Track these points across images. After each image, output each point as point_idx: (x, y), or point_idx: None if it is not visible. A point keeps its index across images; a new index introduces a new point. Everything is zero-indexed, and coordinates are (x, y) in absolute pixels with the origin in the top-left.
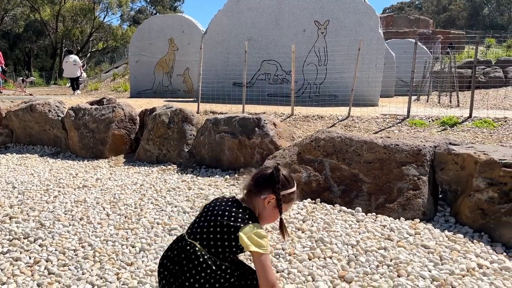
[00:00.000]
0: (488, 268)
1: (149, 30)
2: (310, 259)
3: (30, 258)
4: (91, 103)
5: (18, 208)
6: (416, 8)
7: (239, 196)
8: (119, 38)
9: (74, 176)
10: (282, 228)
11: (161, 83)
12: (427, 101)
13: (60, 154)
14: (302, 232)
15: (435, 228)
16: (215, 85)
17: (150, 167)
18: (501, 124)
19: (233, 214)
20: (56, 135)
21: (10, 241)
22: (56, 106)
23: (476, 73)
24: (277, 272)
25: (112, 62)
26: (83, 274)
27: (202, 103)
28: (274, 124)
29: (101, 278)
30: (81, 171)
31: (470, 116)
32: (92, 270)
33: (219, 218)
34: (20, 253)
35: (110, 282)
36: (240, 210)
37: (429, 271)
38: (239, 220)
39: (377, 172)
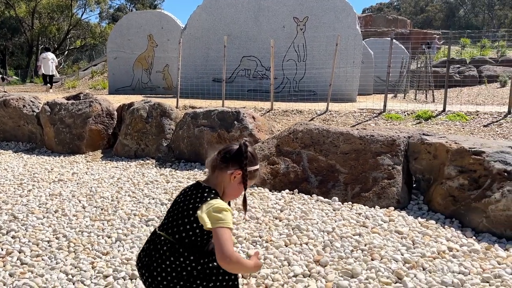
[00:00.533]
0: (457, 250)
1: (127, 26)
2: (286, 246)
3: (2, 250)
4: (68, 98)
5: None
6: (395, 9)
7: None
8: (97, 35)
9: (49, 171)
10: (245, 203)
11: (140, 80)
12: (404, 98)
13: (35, 150)
14: (280, 221)
15: (408, 215)
16: (195, 80)
17: (128, 162)
18: (473, 118)
19: (192, 197)
20: (31, 130)
21: None
22: (31, 101)
23: (451, 72)
24: None
25: (90, 60)
26: (57, 264)
27: (182, 98)
28: (253, 118)
29: (75, 268)
30: (56, 166)
31: (444, 110)
32: (66, 260)
33: (181, 205)
34: None
35: (85, 271)
36: (200, 191)
37: (401, 255)
38: (198, 200)
39: (353, 163)
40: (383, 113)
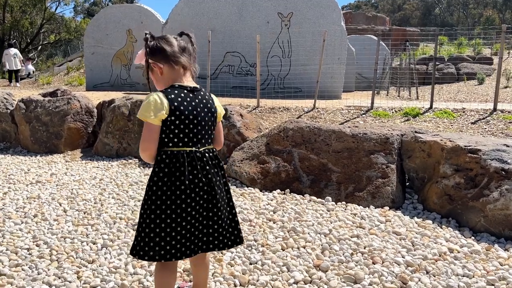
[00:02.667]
0: (458, 252)
1: (105, 20)
2: (283, 249)
3: None
4: (44, 95)
5: None
6: (372, 7)
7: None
8: (72, 30)
9: (26, 172)
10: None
11: (119, 76)
12: (387, 95)
13: (9, 150)
14: (274, 223)
15: (404, 215)
16: None
17: (110, 162)
18: (460, 115)
19: (210, 101)
20: (5, 129)
21: None
22: (5, 98)
23: (431, 69)
24: (251, 263)
25: (65, 56)
26: (38, 274)
27: None
28: (241, 115)
29: (59, 278)
30: (33, 167)
31: (431, 107)
32: (49, 270)
33: (203, 115)
34: None
35: (70, 282)
36: (206, 93)
37: (402, 257)
38: (211, 101)
39: (346, 161)
40: (370, 110)
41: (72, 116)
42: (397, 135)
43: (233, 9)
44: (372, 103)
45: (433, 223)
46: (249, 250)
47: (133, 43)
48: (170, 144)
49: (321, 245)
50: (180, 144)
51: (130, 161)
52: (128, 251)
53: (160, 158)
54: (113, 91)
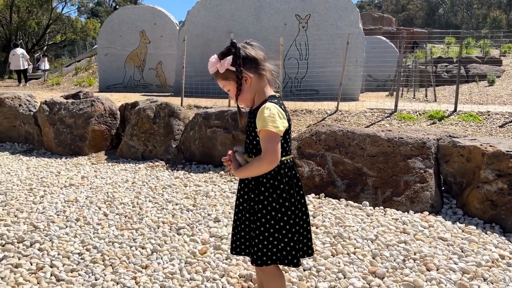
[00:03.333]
0: (510, 258)
1: (119, 22)
2: (333, 256)
3: (31, 264)
4: (66, 97)
5: (3, 210)
6: (376, 7)
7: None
8: (78, 30)
9: (57, 175)
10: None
11: (132, 77)
12: (401, 96)
13: (33, 151)
14: (317, 228)
15: (445, 220)
16: (193, 79)
17: (136, 164)
18: (486, 118)
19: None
20: (28, 131)
21: (3, 246)
22: (27, 100)
23: (440, 70)
24: (304, 270)
25: (71, 56)
26: (96, 280)
27: (179, 97)
28: None
29: (117, 283)
30: (62, 169)
31: (455, 110)
32: (105, 275)
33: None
34: (19, 259)
35: (130, 287)
36: None
37: (455, 264)
38: None
39: (381, 166)
40: (394, 113)
41: (96, 119)
42: (434, 139)
43: (250, 11)
44: (396, 105)
45: (477, 228)
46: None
47: (146, 45)
48: (284, 154)
49: (371, 251)
50: (289, 153)
51: (156, 163)
52: (180, 256)
53: (279, 168)
54: (127, 93)
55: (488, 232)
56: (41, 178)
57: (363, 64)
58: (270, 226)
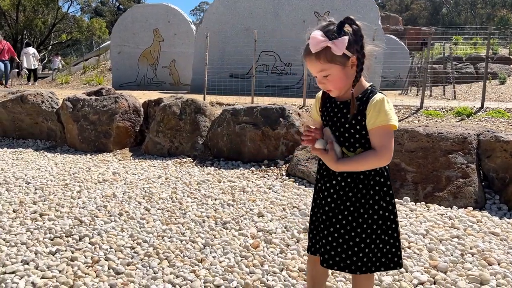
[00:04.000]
0: None
1: (132, 19)
2: None
3: (86, 257)
4: (88, 94)
5: (43, 204)
6: (380, 6)
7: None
8: (84, 30)
9: (87, 170)
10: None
11: (146, 75)
12: (417, 95)
13: (57, 148)
14: None
15: (492, 215)
16: (211, 77)
17: (163, 160)
18: None
19: None
20: (51, 128)
21: (52, 240)
22: (49, 97)
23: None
24: None
25: (78, 55)
26: (155, 273)
27: (198, 94)
28: (299, 114)
29: (177, 277)
30: (91, 165)
31: (482, 106)
32: (163, 269)
33: None
34: (72, 252)
35: (191, 281)
36: None
37: None
38: None
39: (421, 161)
40: (420, 109)
41: (121, 115)
42: (474, 134)
43: (268, 7)
44: (422, 102)
45: None
46: None
47: (160, 43)
48: None
49: (425, 246)
50: None
51: (184, 160)
52: (233, 250)
53: (387, 173)
54: (142, 90)
55: None
56: (73, 173)
57: (382, 61)
58: (373, 232)
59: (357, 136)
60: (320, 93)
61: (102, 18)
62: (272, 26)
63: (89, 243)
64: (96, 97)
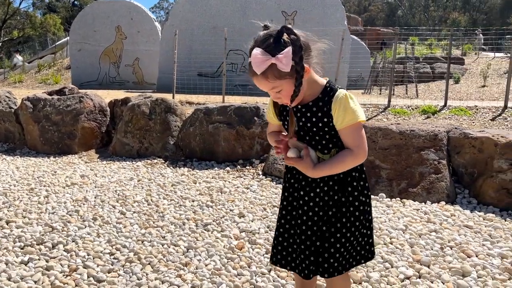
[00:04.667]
0: None
1: (92, 16)
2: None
3: (62, 266)
4: (50, 93)
5: (9, 211)
6: None
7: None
8: (38, 26)
9: (53, 174)
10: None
11: (108, 74)
12: (380, 93)
13: (16, 151)
14: None
15: (463, 209)
16: (179, 75)
17: (133, 162)
18: (475, 112)
19: None
20: (8, 129)
21: (22, 248)
22: (6, 96)
23: (408, 68)
24: None
25: (31, 52)
26: (138, 279)
27: (166, 93)
28: None
29: (163, 282)
30: (56, 168)
31: (445, 105)
32: (147, 274)
33: None
34: (47, 261)
35: (178, 286)
36: None
37: (489, 249)
38: None
39: (395, 158)
40: (388, 108)
41: (86, 115)
42: (444, 131)
43: (236, 6)
44: (389, 101)
45: (495, 216)
46: None
47: (122, 40)
48: None
49: (407, 241)
50: None
51: (155, 161)
52: (217, 253)
53: (360, 166)
54: (104, 90)
55: (507, 219)
56: (37, 177)
57: (348, 61)
58: (356, 228)
59: (328, 137)
60: None
61: (56, 14)
62: (240, 25)
63: (64, 251)
64: (59, 97)
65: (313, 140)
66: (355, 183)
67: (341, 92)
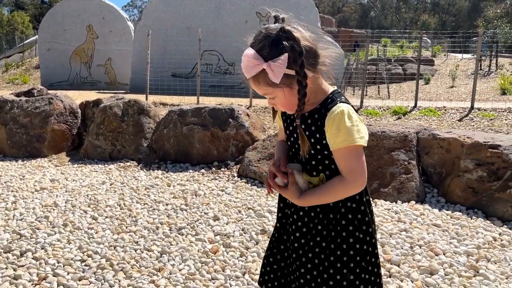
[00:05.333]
0: (502, 240)
1: (62, 14)
2: None
3: (31, 275)
4: (17, 95)
5: None
6: None
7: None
8: (4, 24)
9: (21, 178)
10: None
11: (79, 74)
12: (353, 94)
13: None
14: None
15: (432, 208)
16: (152, 76)
17: (105, 165)
18: (443, 113)
19: None
20: None
21: None
22: None
23: (380, 69)
24: None
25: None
26: (110, 286)
27: (139, 94)
28: (248, 115)
29: None
30: (25, 172)
31: (415, 106)
32: (119, 281)
33: None
34: (15, 270)
35: None
36: None
37: (456, 247)
38: None
39: (366, 159)
40: (360, 109)
41: (56, 117)
42: (413, 132)
43: (210, 7)
44: (362, 102)
45: (462, 214)
46: None
47: (94, 40)
48: None
49: (378, 240)
50: None
51: (128, 163)
52: (192, 257)
53: (360, 193)
54: (75, 90)
55: (473, 217)
56: (4, 182)
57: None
58: (349, 270)
59: (319, 157)
60: None
61: (24, 12)
62: (214, 26)
63: (33, 259)
64: (27, 98)
65: (312, 159)
66: (350, 216)
67: (339, 107)
